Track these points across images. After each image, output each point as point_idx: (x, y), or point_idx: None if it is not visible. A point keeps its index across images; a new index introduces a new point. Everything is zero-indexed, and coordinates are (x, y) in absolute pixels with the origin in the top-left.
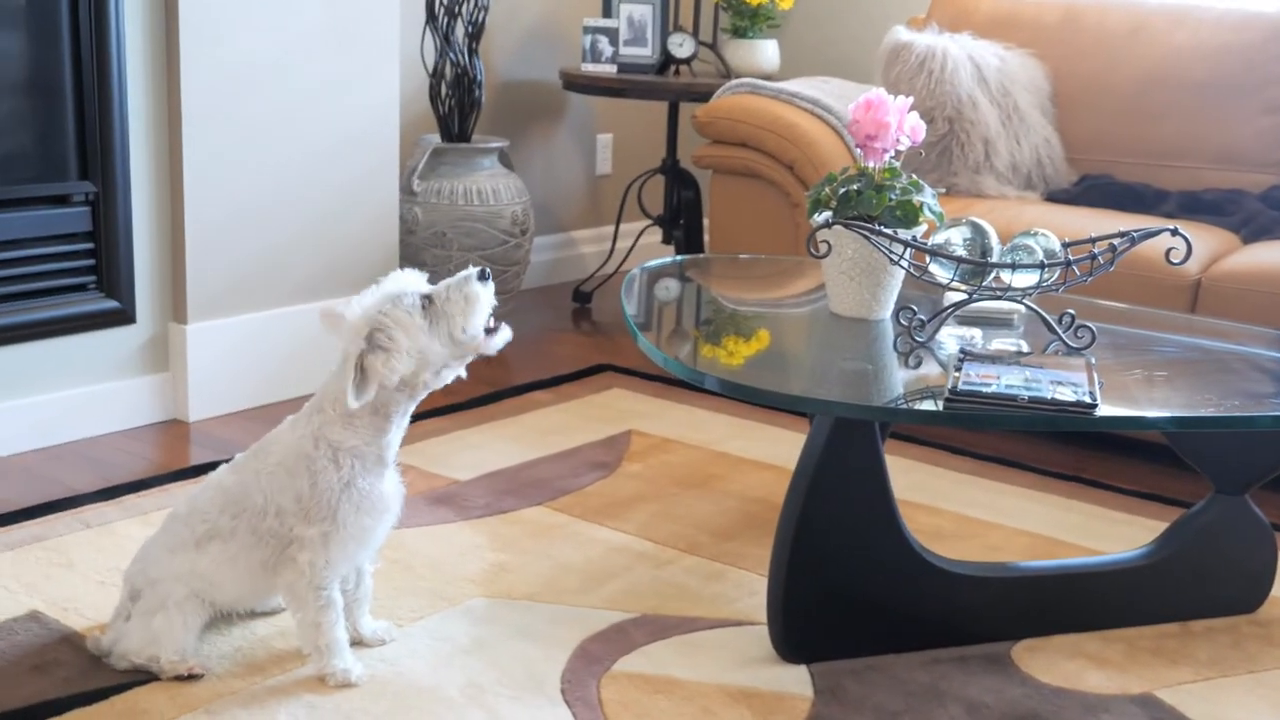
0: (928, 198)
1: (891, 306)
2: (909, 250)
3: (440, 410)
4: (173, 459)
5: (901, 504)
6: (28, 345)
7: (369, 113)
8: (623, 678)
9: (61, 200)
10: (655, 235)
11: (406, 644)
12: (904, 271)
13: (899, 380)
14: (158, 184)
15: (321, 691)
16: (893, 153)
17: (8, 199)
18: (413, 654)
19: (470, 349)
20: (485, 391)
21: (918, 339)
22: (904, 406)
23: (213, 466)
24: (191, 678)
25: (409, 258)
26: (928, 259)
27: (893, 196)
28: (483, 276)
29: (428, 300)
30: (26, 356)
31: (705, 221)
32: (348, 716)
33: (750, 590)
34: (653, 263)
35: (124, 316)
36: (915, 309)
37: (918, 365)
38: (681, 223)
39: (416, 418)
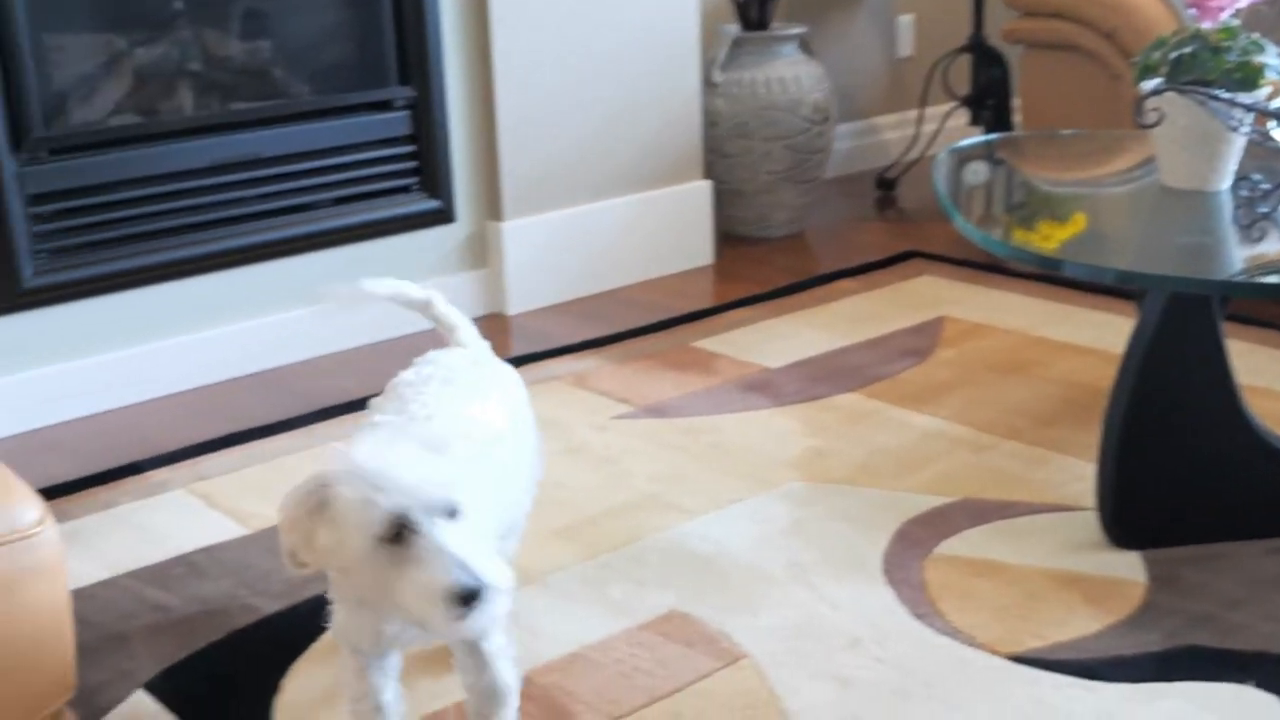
0: (1271, 58)
1: (1230, 177)
2: (1250, 115)
3: (746, 300)
4: (496, 350)
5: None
6: (358, 246)
7: (668, 3)
8: (944, 560)
9: (384, 106)
10: (961, 118)
11: (728, 525)
12: (1244, 139)
13: (1240, 254)
14: (470, 86)
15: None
16: (1231, 11)
17: (336, 106)
18: (735, 535)
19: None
20: (788, 281)
21: (1261, 210)
22: (1247, 280)
23: (534, 358)
24: None
25: (712, 149)
26: (1271, 124)
27: (1231, 58)
28: (465, 601)
29: (402, 523)
30: (357, 256)
31: (1015, 100)
32: (668, 585)
33: (1076, 475)
34: (962, 143)
35: (445, 215)
36: (1257, 178)
37: (1260, 238)
38: (990, 103)
39: (722, 308)
